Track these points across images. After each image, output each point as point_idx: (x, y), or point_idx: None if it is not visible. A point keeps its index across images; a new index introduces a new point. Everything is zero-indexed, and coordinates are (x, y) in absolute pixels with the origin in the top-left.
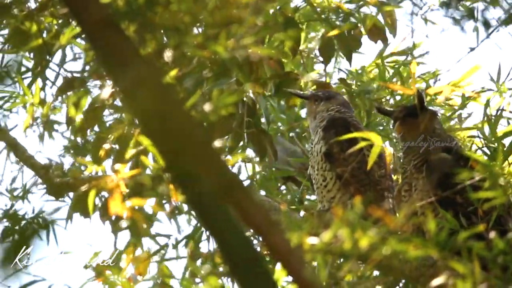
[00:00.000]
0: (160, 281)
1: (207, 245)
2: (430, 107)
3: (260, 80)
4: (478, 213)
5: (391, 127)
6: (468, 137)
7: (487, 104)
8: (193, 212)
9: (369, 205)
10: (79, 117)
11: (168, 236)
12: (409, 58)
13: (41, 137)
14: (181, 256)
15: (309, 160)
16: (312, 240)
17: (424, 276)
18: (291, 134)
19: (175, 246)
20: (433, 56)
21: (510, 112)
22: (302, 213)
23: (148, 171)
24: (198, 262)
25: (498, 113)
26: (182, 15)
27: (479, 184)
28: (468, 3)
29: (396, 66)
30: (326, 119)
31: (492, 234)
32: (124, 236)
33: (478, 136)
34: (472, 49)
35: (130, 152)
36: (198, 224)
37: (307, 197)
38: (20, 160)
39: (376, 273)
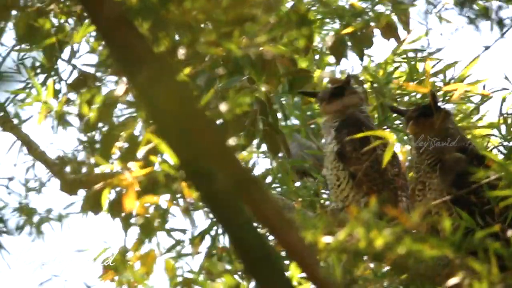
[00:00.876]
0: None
1: (223, 240)
2: (444, 106)
3: (273, 78)
4: (493, 213)
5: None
6: (484, 135)
7: (502, 103)
8: (207, 209)
9: (383, 204)
10: (91, 114)
11: (184, 231)
12: (423, 54)
13: (55, 128)
14: (198, 251)
15: (324, 161)
16: (326, 239)
17: (440, 275)
18: (306, 130)
19: (191, 242)
20: (447, 54)
21: None
22: (317, 208)
23: (159, 169)
24: (214, 258)
25: None
26: (195, 13)
27: (494, 183)
28: (482, 2)
29: (411, 62)
30: (339, 119)
31: (510, 233)
32: (135, 233)
33: (494, 135)
34: (486, 48)
35: (142, 150)
36: (214, 220)
37: (322, 191)
38: (33, 157)
39: (390, 271)
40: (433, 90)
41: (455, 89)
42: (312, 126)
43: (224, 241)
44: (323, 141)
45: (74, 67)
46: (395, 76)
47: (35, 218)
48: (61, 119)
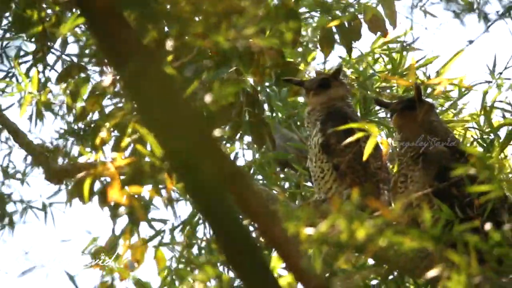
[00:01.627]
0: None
1: (204, 231)
2: (428, 100)
3: (260, 70)
4: (473, 206)
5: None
6: (464, 128)
7: (484, 96)
8: (190, 199)
9: (365, 197)
10: (79, 104)
11: (165, 222)
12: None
13: (38, 117)
14: (178, 241)
15: (308, 153)
16: (309, 230)
17: (419, 267)
18: (289, 122)
19: (171, 232)
20: (432, 48)
21: (508, 103)
22: (298, 200)
23: (145, 159)
24: (195, 248)
25: (493, 104)
26: (184, 5)
27: (476, 176)
28: None
29: (393, 54)
30: (325, 111)
31: (488, 226)
32: (122, 222)
33: (474, 127)
34: (470, 42)
35: (127, 140)
36: (195, 210)
37: (304, 183)
38: (20, 146)
39: (370, 263)
40: (417, 83)
41: (438, 83)
42: (295, 117)
43: (205, 231)
44: (306, 133)
45: (60, 57)
46: (378, 70)
47: (12, 207)
48: (46, 109)
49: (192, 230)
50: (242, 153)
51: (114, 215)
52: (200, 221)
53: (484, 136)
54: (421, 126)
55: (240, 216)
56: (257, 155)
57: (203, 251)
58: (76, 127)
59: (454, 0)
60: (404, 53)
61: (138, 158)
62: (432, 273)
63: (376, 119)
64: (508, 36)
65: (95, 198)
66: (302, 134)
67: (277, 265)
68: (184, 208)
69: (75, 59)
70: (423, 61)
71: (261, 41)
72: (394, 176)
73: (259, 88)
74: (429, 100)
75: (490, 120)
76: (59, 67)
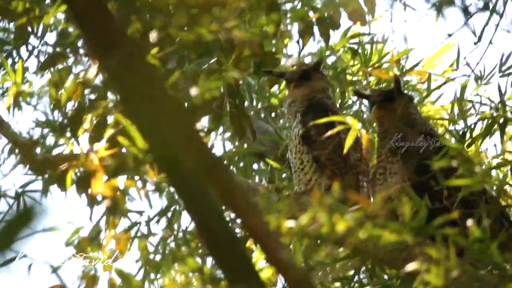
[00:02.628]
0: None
1: (179, 222)
2: (407, 92)
3: (242, 61)
4: (451, 198)
5: (365, 110)
6: (436, 118)
7: (463, 89)
8: (167, 190)
9: (346, 189)
10: (61, 93)
11: (141, 213)
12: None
13: (17, 107)
14: (154, 233)
15: (288, 144)
16: (289, 223)
17: (398, 260)
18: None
19: (147, 223)
20: (411, 41)
21: (488, 98)
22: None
23: (127, 151)
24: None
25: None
26: None
27: (453, 169)
28: None
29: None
30: (305, 103)
31: (469, 222)
32: (100, 210)
33: (445, 118)
34: (450, 35)
35: (109, 132)
36: (171, 202)
37: (279, 176)
38: (4, 136)
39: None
40: (397, 76)
41: (417, 75)
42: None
43: (180, 223)
44: (280, 122)
45: (43, 46)
46: (351, 64)
47: None
48: (26, 99)
49: (169, 222)
50: (223, 144)
51: (92, 203)
52: (176, 213)
53: (456, 128)
54: (400, 118)
55: (222, 208)
56: (231, 146)
57: (181, 242)
58: (56, 117)
59: None
60: (377, 46)
61: (120, 149)
62: (411, 266)
63: (351, 112)
64: (488, 30)
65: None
66: (276, 125)
67: (259, 257)
68: (161, 199)
69: (58, 48)
70: (398, 54)
71: (243, 33)
72: (373, 168)
73: (240, 80)
74: (408, 92)
75: (464, 112)
76: (41, 57)
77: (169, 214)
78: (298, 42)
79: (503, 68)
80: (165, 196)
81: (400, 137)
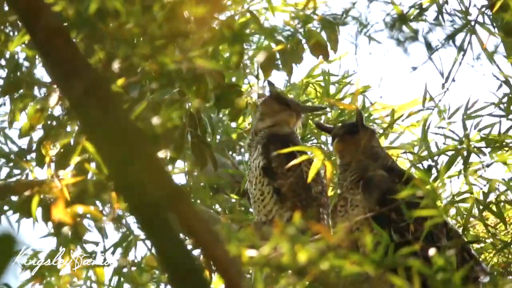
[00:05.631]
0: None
1: (135, 253)
2: (369, 125)
3: (203, 92)
4: (411, 231)
5: (329, 142)
6: (402, 153)
7: (426, 122)
8: (123, 221)
9: (307, 220)
10: (23, 121)
11: (96, 243)
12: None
13: None
14: (109, 263)
15: (247, 175)
16: (250, 252)
17: None
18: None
19: (103, 253)
20: (376, 74)
21: (450, 130)
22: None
23: (91, 178)
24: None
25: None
26: (130, 27)
27: (416, 201)
28: (412, 24)
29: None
30: (266, 136)
31: (432, 252)
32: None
33: (409, 152)
34: (414, 69)
35: (75, 159)
36: (127, 232)
37: (238, 208)
38: None
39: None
40: (359, 109)
41: (381, 109)
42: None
43: (135, 254)
44: (237, 158)
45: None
46: (313, 97)
47: None
48: None
49: (124, 252)
50: (185, 174)
51: (58, 231)
52: (132, 243)
53: (421, 162)
54: (362, 151)
55: (183, 237)
56: (189, 178)
57: (140, 270)
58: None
59: (398, 28)
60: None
61: (85, 177)
62: None
63: (314, 144)
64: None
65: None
66: (234, 159)
67: (218, 285)
68: (117, 229)
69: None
70: (362, 87)
71: (205, 63)
72: (334, 200)
73: (201, 109)
74: (371, 125)
75: (428, 146)
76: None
77: (125, 245)
78: (257, 76)
79: (468, 112)
80: (122, 226)
81: (362, 170)
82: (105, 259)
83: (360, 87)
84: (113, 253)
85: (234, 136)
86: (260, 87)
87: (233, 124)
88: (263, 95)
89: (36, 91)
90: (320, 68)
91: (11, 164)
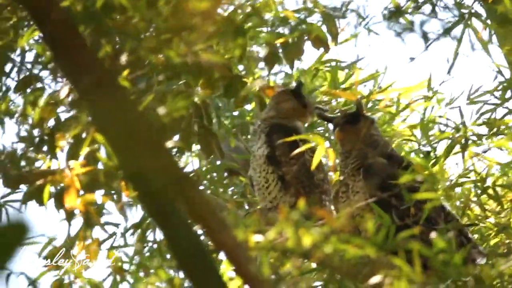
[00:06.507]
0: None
1: (154, 234)
2: (369, 114)
3: (209, 83)
4: (410, 215)
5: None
6: (403, 139)
7: (425, 111)
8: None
9: (310, 206)
10: (36, 113)
11: (117, 225)
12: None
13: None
14: (129, 244)
15: (251, 163)
16: (257, 237)
17: (361, 274)
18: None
19: (123, 235)
20: (375, 65)
21: (447, 119)
22: (246, 207)
23: (101, 167)
24: (146, 250)
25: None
26: (137, 21)
27: (416, 186)
28: (408, 16)
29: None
30: (269, 125)
31: (433, 235)
32: (78, 224)
33: (412, 140)
34: (412, 59)
35: (85, 149)
36: (145, 215)
37: (250, 193)
38: None
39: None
40: (359, 99)
41: (382, 99)
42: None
43: (155, 235)
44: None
45: (19, 67)
46: (319, 84)
47: None
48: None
49: (143, 234)
50: (191, 162)
51: (69, 219)
52: (151, 225)
53: (421, 148)
54: (362, 140)
55: (191, 223)
56: (205, 165)
57: (154, 254)
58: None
59: (395, 20)
60: (346, 70)
61: (95, 166)
62: (374, 279)
63: (318, 132)
64: (447, 54)
65: (51, 200)
66: (247, 143)
67: (226, 270)
68: (136, 213)
69: (32, 70)
70: (367, 76)
71: (210, 56)
72: (336, 186)
73: (207, 100)
74: (370, 114)
75: (427, 134)
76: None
77: (144, 226)
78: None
79: (472, 97)
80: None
81: (362, 158)
82: (125, 241)
83: (367, 75)
84: (133, 234)
85: (248, 118)
86: (263, 78)
87: (248, 107)
88: (268, 86)
89: (46, 84)
90: (330, 54)
91: (24, 155)
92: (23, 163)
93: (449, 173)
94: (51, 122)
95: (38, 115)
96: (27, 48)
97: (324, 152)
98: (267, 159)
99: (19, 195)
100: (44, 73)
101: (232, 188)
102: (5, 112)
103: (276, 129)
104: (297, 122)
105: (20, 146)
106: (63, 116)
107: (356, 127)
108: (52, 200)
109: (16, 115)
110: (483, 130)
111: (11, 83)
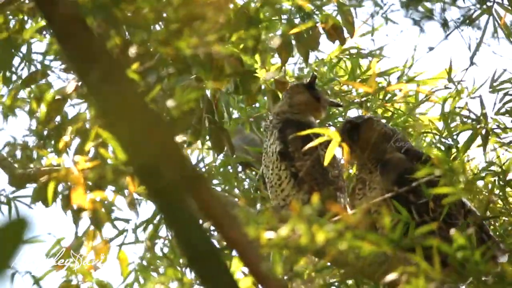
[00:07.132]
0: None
1: (166, 230)
2: (369, 114)
3: (220, 77)
4: (429, 210)
5: None
6: (423, 132)
7: (444, 102)
8: (151, 201)
9: (325, 202)
10: (43, 108)
11: (127, 221)
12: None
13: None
14: (140, 240)
15: (263, 159)
16: (269, 235)
17: (377, 272)
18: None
19: (134, 231)
20: (393, 55)
21: (468, 110)
22: (258, 204)
23: (108, 163)
24: (157, 247)
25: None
26: (146, 12)
27: (434, 180)
28: (428, 4)
29: (354, 59)
30: (282, 120)
31: (452, 231)
32: (86, 223)
33: (432, 132)
34: (431, 49)
35: (90, 145)
36: (156, 210)
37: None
38: None
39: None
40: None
41: (399, 88)
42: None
43: (167, 231)
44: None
45: (28, 62)
46: (339, 75)
47: None
48: (11, 112)
49: (154, 230)
50: (202, 158)
51: (77, 219)
52: (162, 220)
53: (442, 141)
54: (372, 142)
55: (201, 220)
56: (218, 159)
57: (165, 250)
58: (39, 131)
59: (414, 8)
60: (364, 60)
61: (101, 162)
62: (391, 277)
63: (335, 123)
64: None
65: (58, 201)
66: (262, 136)
67: (237, 268)
68: (146, 208)
69: (38, 64)
70: (387, 69)
71: (222, 48)
72: (352, 182)
73: (218, 95)
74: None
75: (448, 126)
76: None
77: (156, 222)
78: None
79: (494, 84)
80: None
81: (379, 154)
82: (136, 237)
83: (389, 68)
84: (144, 230)
85: (264, 111)
86: (275, 71)
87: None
88: (281, 81)
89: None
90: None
91: (29, 152)
92: (34, 155)
93: (471, 166)
94: (58, 118)
95: (44, 112)
96: (32, 41)
97: (337, 145)
98: (280, 155)
99: (28, 191)
100: (51, 68)
101: (248, 181)
102: (14, 107)
103: (289, 124)
104: (310, 117)
105: (31, 140)
106: (70, 113)
107: (355, 145)
108: (59, 200)
109: (26, 109)
110: (507, 120)
111: (18, 77)
